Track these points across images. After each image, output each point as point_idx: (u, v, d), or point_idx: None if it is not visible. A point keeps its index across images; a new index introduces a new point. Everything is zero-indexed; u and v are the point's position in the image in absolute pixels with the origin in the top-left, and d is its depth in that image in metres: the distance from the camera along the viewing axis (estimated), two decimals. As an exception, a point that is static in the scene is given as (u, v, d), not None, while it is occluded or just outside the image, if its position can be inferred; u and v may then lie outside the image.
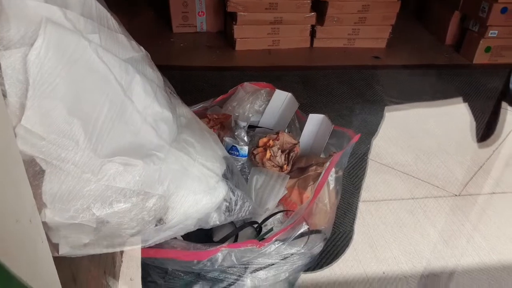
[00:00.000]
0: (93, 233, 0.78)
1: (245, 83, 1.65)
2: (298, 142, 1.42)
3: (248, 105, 1.56)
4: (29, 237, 0.60)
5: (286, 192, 1.28)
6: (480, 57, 3.03)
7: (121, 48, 0.84)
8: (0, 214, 0.52)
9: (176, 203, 0.88)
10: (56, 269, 0.67)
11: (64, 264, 0.76)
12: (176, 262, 1.03)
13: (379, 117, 2.31)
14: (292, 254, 1.15)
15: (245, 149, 1.34)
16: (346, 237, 1.54)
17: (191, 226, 0.97)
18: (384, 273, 1.43)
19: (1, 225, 0.52)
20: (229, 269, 1.09)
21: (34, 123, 0.67)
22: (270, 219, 1.23)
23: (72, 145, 0.71)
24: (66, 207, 0.73)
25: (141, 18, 3.48)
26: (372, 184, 1.82)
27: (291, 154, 1.37)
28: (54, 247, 0.76)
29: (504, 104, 2.49)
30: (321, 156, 1.46)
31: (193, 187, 0.90)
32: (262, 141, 1.38)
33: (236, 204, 1.03)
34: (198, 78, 2.62)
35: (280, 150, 1.36)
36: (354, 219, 1.62)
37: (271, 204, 1.22)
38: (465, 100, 2.55)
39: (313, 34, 3.13)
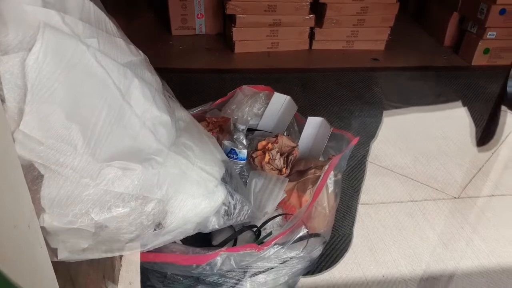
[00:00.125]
0: (91, 238, 0.78)
1: (244, 86, 1.65)
2: (297, 145, 1.42)
3: (247, 108, 1.56)
4: (27, 242, 0.60)
5: (285, 195, 1.28)
6: (478, 59, 3.04)
7: (120, 52, 0.84)
8: (-2, 219, 0.52)
9: (174, 207, 0.87)
10: (55, 273, 0.67)
11: (62, 269, 0.76)
12: (175, 267, 1.03)
13: (378, 119, 2.31)
14: (291, 258, 1.15)
15: (244, 153, 1.34)
16: (346, 240, 1.54)
17: (190, 230, 0.97)
18: (383, 276, 1.43)
19: (-1, 231, 0.52)
20: (228, 273, 1.09)
21: (32, 128, 0.67)
22: (269, 223, 1.23)
23: (71, 150, 0.71)
24: (65, 212, 0.73)
25: (140, 21, 3.48)
26: (371, 186, 1.82)
27: (290, 157, 1.37)
28: (53, 252, 0.76)
29: (503, 107, 2.49)
30: (320, 159, 1.46)
31: (192, 191, 0.90)
32: (261, 144, 1.38)
33: (235, 208, 1.03)
34: (197, 80, 2.62)
35: (279, 153, 1.36)
36: (353, 222, 1.62)
37: (270, 208, 1.22)
38: (464, 102, 2.55)
39: (312, 36, 3.13)
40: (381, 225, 1.62)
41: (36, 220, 0.64)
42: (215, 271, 1.04)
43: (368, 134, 2.16)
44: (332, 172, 1.31)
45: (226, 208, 1.02)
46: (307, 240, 1.17)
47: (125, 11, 3.44)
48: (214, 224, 1.01)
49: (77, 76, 0.72)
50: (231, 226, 1.16)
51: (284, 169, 1.36)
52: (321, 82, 2.71)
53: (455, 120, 2.38)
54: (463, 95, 2.63)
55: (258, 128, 1.56)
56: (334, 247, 1.50)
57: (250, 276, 1.11)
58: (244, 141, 1.34)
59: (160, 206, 0.84)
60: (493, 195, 1.82)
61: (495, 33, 2.93)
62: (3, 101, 0.64)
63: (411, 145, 2.12)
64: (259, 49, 3.07)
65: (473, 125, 2.32)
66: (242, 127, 1.35)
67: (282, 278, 1.16)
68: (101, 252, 0.82)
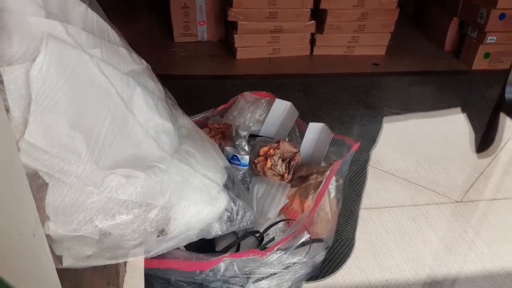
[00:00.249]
0: (96, 245, 0.79)
1: (245, 92, 1.66)
2: (299, 150, 1.42)
3: (249, 115, 1.57)
4: (32, 250, 0.61)
5: (287, 201, 1.29)
6: (479, 63, 3.04)
7: (122, 61, 0.85)
8: (3, 228, 0.53)
9: (178, 214, 0.88)
10: (60, 280, 0.68)
11: (67, 276, 0.77)
12: (179, 273, 1.03)
13: (380, 124, 2.31)
14: (294, 263, 1.15)
15: (246, 159, 1.35)
16: (348, 245, 1.54)
17: (193, 237, 0.97)
18: (387, 281, 1.42)
19: (5, 239, 0.53)
20: (232, 279, 1.09)
21: (37, 137, 0.68)
22: (272, 228, 1.23)
23: (75, 158, 0.72)
24: (69, 219, 0.74)
25: (143, 28, 3.51)
26: (374, 191, 1.82)
27: (292, 162, 1.38)
28: (58, 259, 0.77)
29: (501, 114, 2.49)
30: (322, 164, 1.46)
31: (195, 198, 0.91)
32: (263, 150, 1.39)
33: (237, 214, 1.04)
34: (200, 87, 2.64)
35: (280, 159, 1.37)
36: (356, 227, 1.62)
37: (273, 214, 1.23)
38: (465, 106, 2.55)
39: (313, 42, 3.15)
40: (384, 230, 1.62)
41: (41, 228, 0.64)
42: (219, 277, 1.04)
43: (370, 139, 2.17)
44: (333, 178, 1.32)
45: (229, 214, 1.03)
46: (310, 246, 1.17)
47: (129, 19, 3.47)
48: (217, 230, 1.02)
49: (80, 85, 0.73)
50: (234, 232, 1.16)
51: (286, 175, 1.37)
52: (322, 87, 2.72)
53: (456, 124, 2.38)
54: (464, 99, 2.64)
55: (260, 134, 1.57)
56: (337, 252, 1.50)
57: (253, 282, 1.11)
58: (246, 147, 1.35)
59: (163, 213, 0.85)
60: (495, 199, 1.82)
61: (495, 38, 2.94)
62: (8, 111, 0.65)
63: (413, 149, 2.12)
64: (260, 55, 3.09)
65: (474, 129, 2.32)
66: (244, 133, 1.35)
67: (285, 284, 1.17)
68: (105, 259, 0.83)
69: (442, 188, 1.86)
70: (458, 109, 2.53)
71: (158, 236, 0.88)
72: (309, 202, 1.28)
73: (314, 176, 1.34)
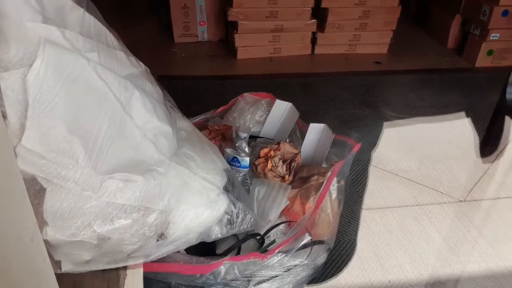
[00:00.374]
0: (94, 249, 0.79)
1: (246, 93, 1.66)
2: (300, 151, 1.42)
3: (249, 116, 1.57)
4: (30, 256, 0.61)
5: (288, 202, 1.28)
6: (482, 60, 3.03)
7: (120, 64, 0.85)
8: (1, 233, 0.52)
9: (177, 217, 0.88)
10: (59, 284, 0.68)
11: (67, 280, 0.77)
12: (179, 276, 1.03)
13: (382, 123, 2.30)
14: (295, 266, 1.15)
15: (246, 160, 1.35)
16: (351, 247, 1.53)
17: (193, 240, 0.97)
18: (390, 282, 1.42)
19: (3, 244, 0.53)
20: (232, 282, 1.08)
21: (34, 143, 0.68)
22: (273, 231, 1.22)
23: (72, 163, 0.72)
24: (67, 224, 0.74)
25: (143, 29, 3.51)
26: (376, 191, 1.81)
27: (293, 164, 1.37)
28: (57, 264, 0.77)
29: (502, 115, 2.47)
30: (323, 165, 1.46)
31: (194, 201, 0.91)
32: (263, 151, 1.39)
33: (237, 217, 1.03)
34: (200, 87, 2.63)
35: (281, 160, 1.37)
36: (358, 228, 1.61)
37: (273, 216, 1.22)
38: (468, 103, 2.54)
39: (314, 41, 3.14)
40: (386, 230, 1.62)
41: (39, 233, 0.64)
42: (219, 280, 1.04)
43: (372, 138, 2.16)
44: (335, 179, 1.31)
45: (229, 217, 1.02)
46: (311, 248, 1.17)
47: (128, 20, 3.47)
48: (217, 233, 1.01)
49: (77, 90, 0.72)
50: (234, 235, 1.16)
51: (286, 176, 1.36)
52: (324, 86, 2.71)
53: (460, 122, 2.37)
54: (467, 97, 2.62)
55: (260, 136, 1.57)
56: (339, 254, 1.50)
57: (254, 285, 1.11)
58: (247, 149, 1.35)
59: (163, 217, 0.85)
60: (499, 198, 1.81)
61: (498, 35, 2.92)
62: (4, 116, 0.65)
63: (415, 148, 2.11)
64: (261, 54, 3.08)
65: (477, 128, 2.30)
66: (244, 134, 1.35)
67: (287, 286, 1.16)
68: (104, 263, 0.83)
69: (445, 188, 1.85)
70: (462, 106, 2.51)
71: (158, 240, 0.88)
72: (310, 204, 1.27)
73: (315, 177, 1.33)
